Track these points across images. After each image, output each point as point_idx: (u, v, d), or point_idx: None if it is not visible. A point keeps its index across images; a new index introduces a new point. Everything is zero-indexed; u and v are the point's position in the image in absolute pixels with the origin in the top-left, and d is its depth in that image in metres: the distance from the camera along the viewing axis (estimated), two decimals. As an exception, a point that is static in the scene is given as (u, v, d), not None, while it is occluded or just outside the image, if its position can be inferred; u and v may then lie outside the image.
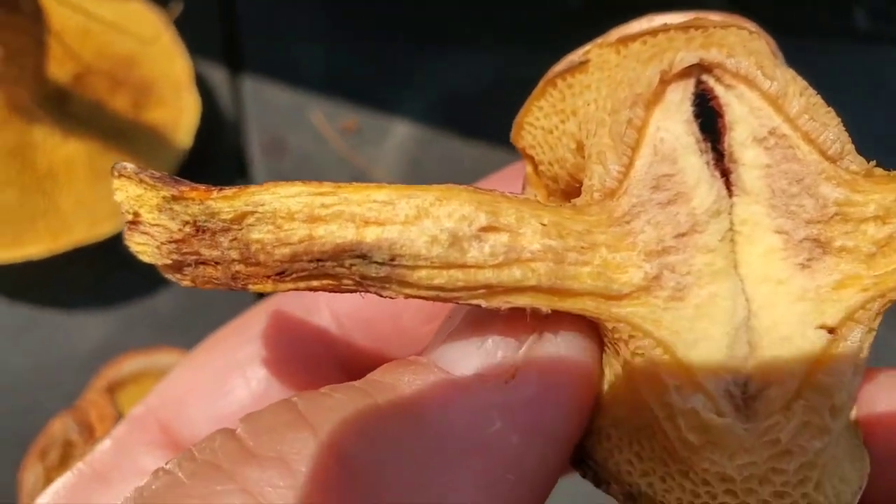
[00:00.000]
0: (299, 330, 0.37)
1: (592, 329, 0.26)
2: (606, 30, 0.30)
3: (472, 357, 0.25)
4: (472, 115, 0.84)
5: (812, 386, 0.24)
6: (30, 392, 0.69)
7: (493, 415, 0.24)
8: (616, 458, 0.26)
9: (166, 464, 0.23)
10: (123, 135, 0.72)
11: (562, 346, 0.25)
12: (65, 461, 0.64)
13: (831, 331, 0.25)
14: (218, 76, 0.80)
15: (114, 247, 0.71)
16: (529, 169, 0.32)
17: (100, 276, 0.72)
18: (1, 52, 0.60)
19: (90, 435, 0.63)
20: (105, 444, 0.37)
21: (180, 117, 0.73)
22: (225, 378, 0.36)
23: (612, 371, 0.26)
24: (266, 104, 0.80)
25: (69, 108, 0.71)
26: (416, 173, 0.81)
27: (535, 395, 0.24)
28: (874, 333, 0.25)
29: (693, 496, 0.25)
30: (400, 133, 0.81)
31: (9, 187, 0.68)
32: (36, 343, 0.71)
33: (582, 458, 0.27)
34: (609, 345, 0.26)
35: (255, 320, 0.37)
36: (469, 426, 0.23)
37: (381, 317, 0.36)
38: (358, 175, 0.79)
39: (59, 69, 0.70)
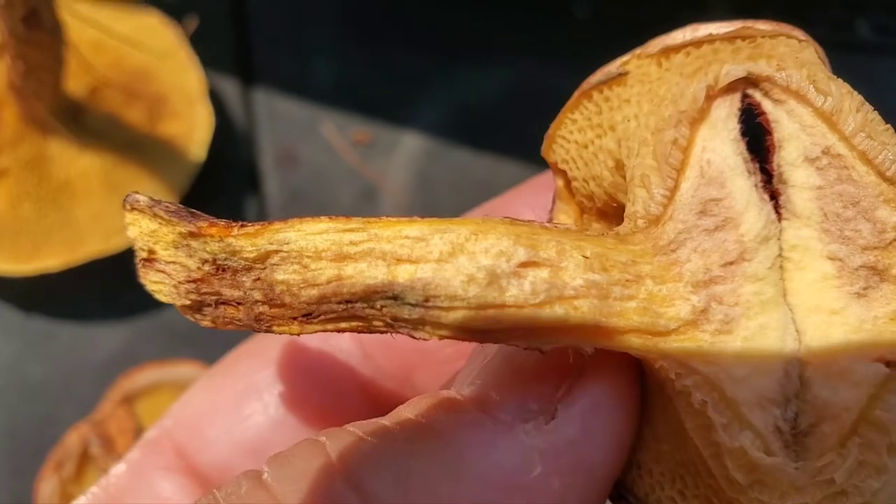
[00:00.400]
0: (319, 350, 0.36)
1: (633, 366, 0.25)
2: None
3: (507, 395, 0.24)
4: (482, 127, 0.84)
5: (869, 422, 0.23)
6: (46, 402, 0.69)
7: (534, 458, 0.23)
8: (658, 494, 0.25)
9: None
10: (138, 147, 0.72)
11: (602, 385, 0.24)
12: (81, 473, 0.65)
13: (889, 364, 0.23)
14: (230, 89, 0.80)
15: (127, 259, 0.71)
16: (560, 184, 0.30)
17: (114, 289, 0.72)
18: (21, 66, 0.60)
19: (111, 448, 0.63)
20: (120, 468, 0.36)
21: (194, 130, 0.74)
22: (242, 402, 0.36)
23: (654, 406, 0.25)
24: (278, 117, 0.81)
25: (85, 122, 0.71)
26: (426, 185, 0.81)
27: (576, 437, 0.23)
28: None
29: None
30: (410, 145, 0.82)
31: (26, 200, 0.68)
32: (52, 354, 0.71)
33: (621, 493, 0.26)
34: (652, 384, 0.25)
35: (273, 340, 0.36)
36: (509, 471, 0.23)
37: (402, 339, 0.36)
38: (369, 187, 0.80)
39: (75, 83, 0.71)
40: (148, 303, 0.76)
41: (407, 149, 0.81)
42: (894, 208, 0.24)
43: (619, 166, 0.27)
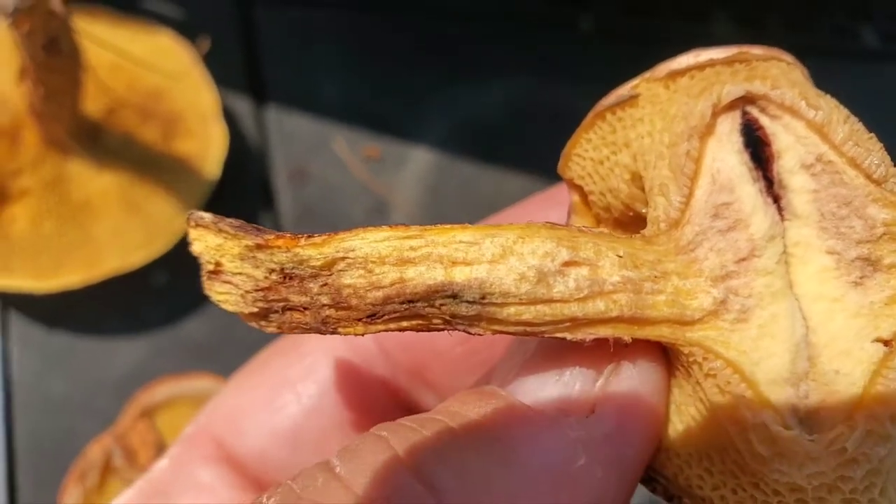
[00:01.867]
0: (345, 348, 0.38)
1: (662, 354, 0.27)
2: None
3: (550, 389, 0.26)
4: (489, 141, 0.86)
5: (872, 396, 0.25)
6: (67, 416, 0.71)
7: (577, 450, 0.25)
8: (686, 473, 0.27)
9: (265, 498, 0.24)
10: (154, 165, 0.74)
11: (637, 378, 0.26)
12: (104, 484, 0.66)
13: (887, 343, 0.26)
14: (243, 108, 0.82)
15: (145, 275, 0.73)
16: (576, 198, 0.33)
17: (132, 304, 0.74)
18: (42, 91, 0.62)
19: (133, 459, 0.65)
20: (163, 462, 0.38)
21: (208, 148, 0.75)
22: (276, 394, 0.38)
23: (682, 392, 0.27)
24: (290, 134, 0.83)
25: (102, 142, 0.73)
26: (435, 198, 0.83)
27: (616, 428, 0.25)
28: None
29: None
30: (419, 160, 0.83)
31: (47, 219, 0.70)
32: (73, 369, 0.73)
33: (651, 475, 0.28)
34: (681, 367, 0.27)
35: (301, 341, 0.39)
36: (557, 463, 0.24)
37: (418, 340, 0.38)
38: (379, 201, 0.81)
39: (92, 104, 0.72)
40: (165, 318, 0.78)
41: (416, 163, 0.83)
42: (882, 206, 0.26)
43: (636, 178, 0.29)
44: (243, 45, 0.85)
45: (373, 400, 0.39)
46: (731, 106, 0.27)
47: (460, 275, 0.25)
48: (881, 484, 0.25)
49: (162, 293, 0.75)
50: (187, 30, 0.80)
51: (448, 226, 0.25)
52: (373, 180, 0.82)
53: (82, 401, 0.72)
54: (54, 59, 0.60)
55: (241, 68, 0.84)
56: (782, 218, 0.27)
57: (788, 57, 0.29)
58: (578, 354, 0.26)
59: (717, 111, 0.27)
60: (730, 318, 0.26)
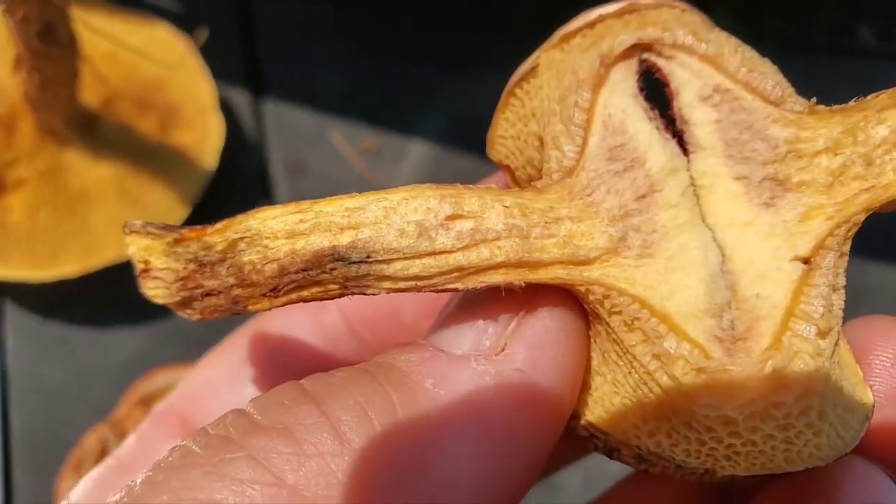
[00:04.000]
0: (311, 329, 0.39)
1: (577, 304, 0.27)
2: None
3: (465, 335, 0.27)
4: (486, 134, 0.86)
5: (796, 315, 0.25)
6: (64, 405, 0.71)
7: (484, 384, 0.25)
8: (622, 425, 0.27)
9: (182, 441, 0.25)
10: (151, 156, 0.74)
11: (546, 319, 0.26)
12: (99, 473, 0.66)
13: (805, 261, 0.26)
14: (241, 99, 0.82)
15: (142, 265, 0.73)
16: (509, 178, 0.33)
17: (129, 294, 0.74)
18: (37, 79, 0.62)
19: (128, 446, 0.65)
20: (130, 439, 0.39)
21: (206, 139, 0.75)
22: (239, 373, 0.39)
23: (601, 339, 0.27)
24: (287, 126, 0.83)
25: (99, 132, 0.73)
26: (432, 191, 0.83)
27: (524, 363, 0.26)
28: (846, 258, 0.26)
29: (699, 444, 0.26)
30: (417, 153, 0.83)
31: (43, 209, 0.70)
32: (70, 358, 0.73)
33: (590, 433, 0.28)
34: (591, 313, 0.27)
35: (267, 321, 0.40)
36: (462, 396, 0.25)
37: (383, 315, 0.38)
38: (377, 194, 0.81)
39: (89, 94, 0.72)
40: (162, 308, 0.77)
41: (413, 156, 0.83)
42: (782, 126, 0.27)
43: (542, 143, 0.30)
44: (242, 36, 0.85)
45: None
46: (626, 55, 0.28)
47: (345, 238, 0.26)
48: (818, 406, 0.25)
49: (158, 284, 0.75)
50: (185, 21, 0.80)
51: (338, 196, 0.26)
52: (370, 173, 0.82)
53: (78, 390, 0.72)
54: (50, 48, 0.60)
55: (239, 60, 0.84)
56: (687, 152, 0.27)
57: (682, 4, 0.29)
58: (493, 305, 0.27)
59: (610, 62, 0.28)
60: (632, 255, 0.26)
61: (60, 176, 0.71)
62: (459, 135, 0.84)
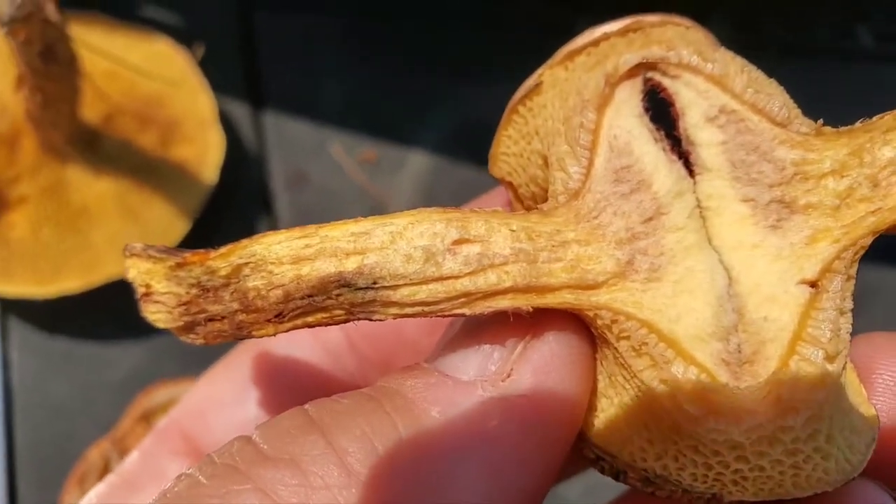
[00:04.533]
0: (312, 345, 0.39)
1: (583, 328, 0.27)
2: None
3: (470, 360, 0.26)
4: (485, 144, 0.86)
5: (804, 339, 0.25)
6: (67, 419, 0.72)
7: (491, 410, 0.25)
8: (628, 447, 0.27)
9: (188, 469, 0.24)
10: (152, 171, 0.74)
11: (553, 344, 0.26)
12: (102, 487, 0.67)
13: (812, 284, 0.26)
14: (241, 113, 0.83)
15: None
16: (511, 196, 0.33)
17: (131, 309, 0.74)
18: (39, 98, 0.63)
19: (130, 462, 0.66)
20: (133, 456, 0.39)
21: (206, 153, 0.76)
22: (241, 390, 0.39)
23: (608, 363, 0.27)
24: (287, 139, 0.83)
25: (100, 148, 0.74)
26: (432, 202, 0.83)
27: (531, 389, 0.26)
28: (853, 281, 0.26)
29: (706, 469, 0.25)
30: (416, 163, 0.84)
31: (46, 225, 0.71)
32: (72, 373, 0.73)
33: (597, 455, 0.28)
34: (599, 338, 0.27)
35: (270, 339, 0.40)
36: (469, 422, 0.25)
37: (385, 331, 0.38)
38: (376, 204, 0.82)
39: (90, 111, 0.73)
40: (164, 322, 0.78)
41: (413, 167, 0.83)
42: (789, 147, 0.27)
43: (546, 162, 0.30)
44: (241, 50, 0.85)
45: (337, 390, 0.40)
46: (631, 74, 0.28)
47: (351, 263, 0.25)
48: (825, 430, 0.25)
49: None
50: (185, 36, 0.81)
51: (343, 221, 0.26)
52: (370, 184, 0.82)
53: (81, 405, 0.73)
54: (51, 67, 0.60)
55: (239, 74, 0.84)
56: (693, 173, 0.27)
57: (686, 21, 0.29)
58: (498, 329, 0.27)
59: (615, 81, 0.27)
60: (640, 279, 0.26)
61: (62, 192, 0.72)
62: (459, 145, 0.84)
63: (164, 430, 0.40)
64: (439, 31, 0.87)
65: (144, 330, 0.74)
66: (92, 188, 0.72)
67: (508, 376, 0.26)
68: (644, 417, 0.26)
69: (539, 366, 0.26)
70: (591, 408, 0.28)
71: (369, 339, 0.39)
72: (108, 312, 0.74)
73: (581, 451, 0.28)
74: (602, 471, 0.28)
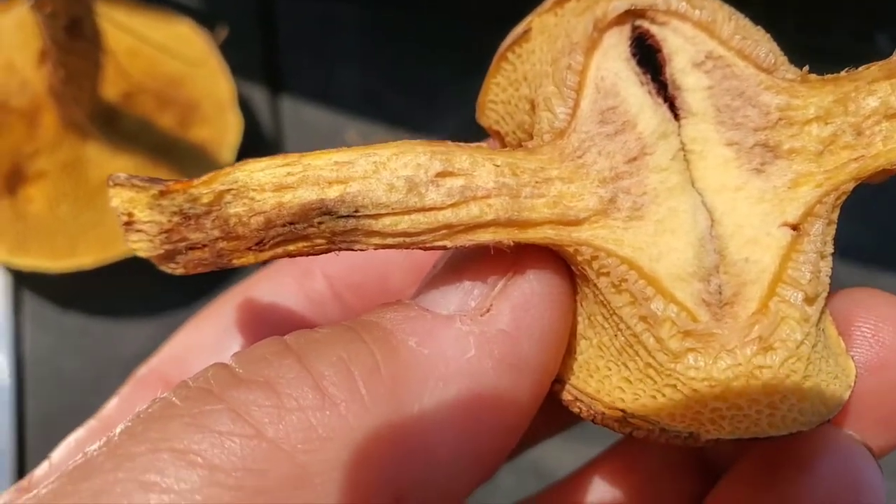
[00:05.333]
0: (296, 295, 0.39)
1: (565, 268, 0.27)
2: None
3: (450, 296, 0.27)
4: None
5: (784, 281, 0.26)
6: (79, 394, 0.72)
7: (468, 343, 0.25)
8: (606, 387, 0.27)
9: (163, 393, 0.24)
10: (170, 151, 0.75)
11: (533, 282, 0.26)
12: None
13: (794, 227, 0.26)
14: (259, 97, 0.83)
15: (158, 258, 0.74)
16: (498, 144, 0.33)
17: (144, 286, 0.75)
18: (62, 73, 0.63)
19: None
20: (113, 402, 0.39)
21: (224, 135, 0.76)
22: (224, 337, 0.38)
23: (587, 302, 0.27)
24: (304, 123, 0.83)
25: (119, 126, 0.74)
26: (446, 191, 0.83)
27: (508, 324, 0.26)
28: (835, 225, 0.27)
29: (684, 407, 0.26)
30: (431, 153, 0.84)
31: (63, 201, 0.71)
32: (85, 348, 0.74)
33: (574, 397, 0.28)
34: (580, 276, 0.27)
35: (252, 287, 0.39)
36: (444, 354, 0.25)
37: (369, 281, 0.38)
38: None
39: (110, 88, 0.73)
40: (177, 300, 0.79)
41: (428, 156, 0.84)
42: (774, 93, 0.27)
43: (534, 106, 0.30)
44: (262, 35, 0.85)
45: None
46: (620, 21, 0.28)
47: (334, 192, 0.25)
48: (803, 372, 0.25)
49: (170, 277, 0.76)
50: (206, 18, 0.81)
51: (326, 150, 0.26)
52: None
53: (94, 379, 0.73)
54: (76, 42, 0.61)
55: (258, 58, 0.85)
56: (678, 118, 0.27)
57: None
58: (479, 267, 0.27)
59: (603, 26, 0.28)
60: (622, 217, 0.26)
61: (81, 168, 0.72)
62: (472, 135, 0.84)
63: (143, 377, 0.40)
64: (456, 23, 0.88)
65: (158, 306, 0.75)
66: (110, 165, 0.73)
67: (487, 311, 0.26)
68: (623, 358, 0.27)
69: (518, 302, 0.26)
70: (569, 350, 0.28)
71: (353, 288, 0.39)
72: (121, 288, 0.74)
73: (557, 393, 0.28)
74: (579, 412, 0.28)
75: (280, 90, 0.84)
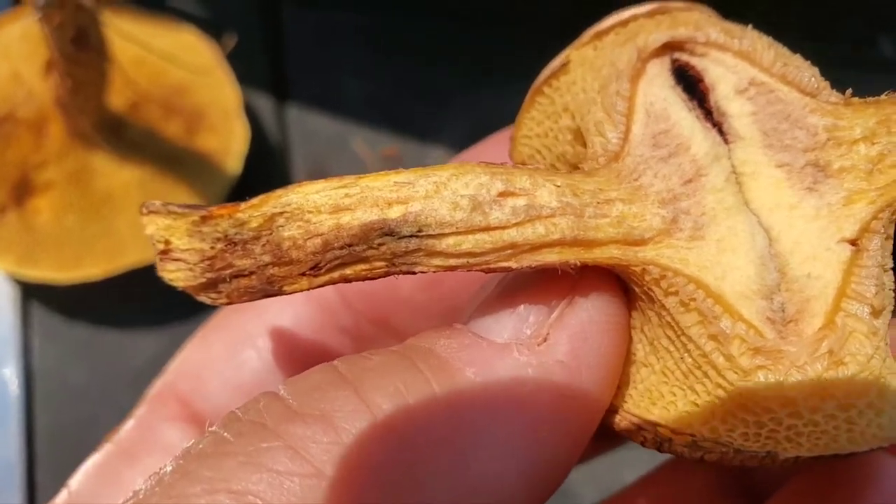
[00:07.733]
0: (306, 303, 0.38)
1: (619, 288, 0.27)
2: None
3: (505, 323, 0.26)
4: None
5: (848, 295, 0.25)
6: (87, 406, 0.72)
7: (525, 374, 0.24)
8: (672, 413, 0.27)
9: (211, 426, 0.23)
10: (176, 160, 0.75)
11: (590, 309, 0.26)
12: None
13: (852, 243, 0.26)
14: (265, 105, 0.83)
15: (165, 268, 0.74)
16: None
17: (152, 297, 0.75)
18: (69, 83, 0.63)
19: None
20: (128, 424, 0.38)
21: (230, 144, 0.76)
22: (237, 350, 0.38)
23: (651, 325, 0.27)
24: (310, 132, 0.83)
25: (125, 135, 0.74)
26: (453, 199, 0.83)
27: (566, 354, 0.25)
28: (892, 241, 0.26)
29: (758, 427, 0.25)
30: (438, 159, 0.84)
31: (70, 212, 0.71)
32: (93, 359, 0.73)
33: (637, 426, 0.27)
34: (643, 296, 0.27)
35: (261, 301, 0.39)
36: (501, 385, 0.24)
37: (380, 288, 0.37)
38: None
39: (116, 98, 0.73)
40: (185, 311, 0.78)
41: (434, 163, 0.83)
42: (820, 115, 0.27)
43: (578, 136, 0.30)
44: (268, 43, 0.85)
45: (337, 351, 0.38)
46: (658, 53, 0.28)
47: (395, 212, 0.25)
48: (877, 385, 0.25)
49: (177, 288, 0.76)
50: (213, 28, 0.81)
51: (383, 172, 0.25)
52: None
53: (101, 391, 0.73)
54: (82, 53, 0.61)
55: (264, 66, 0.84)
56: (727, 141, 0.27)
57: (710, 10, 0.30)
58: (534, 290, 0.26)
59: (645, 57, 0.28)
60: (684, 237, 0.26)
61: (87, 179, 0.72)
62: (479, 140, 0.84)
63: (158, 396, 0.39)
64: (462, 29, 0.88)
65: (165, 317, 0.74)
66: (117, 175, 0.73)
67: (545, 341, 0.25)
68: (689, 380, 0.26)
69: (576, 331, 0.25)
70: (627, 379, 0.28)
71: (364, 296, 0.38)
72: (129, 300, 0.74)
73: (609, 424, 0.28)
74: (643, 442, 0.28)
75: (286, 98, 0.84)
